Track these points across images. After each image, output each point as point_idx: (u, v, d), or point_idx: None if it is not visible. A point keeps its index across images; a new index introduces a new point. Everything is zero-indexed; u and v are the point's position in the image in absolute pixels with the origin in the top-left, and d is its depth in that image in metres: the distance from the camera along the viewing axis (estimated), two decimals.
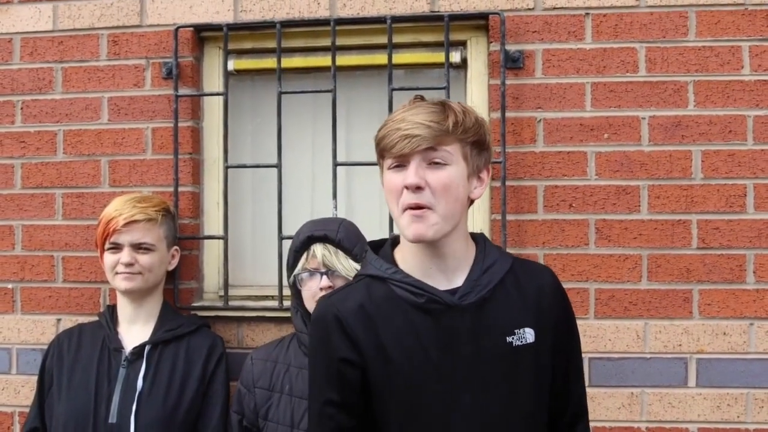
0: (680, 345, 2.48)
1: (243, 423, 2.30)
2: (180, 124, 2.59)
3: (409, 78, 2.66)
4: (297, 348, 2.28)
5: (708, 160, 2.49)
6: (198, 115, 2.66)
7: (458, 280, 1.71)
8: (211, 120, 2.67)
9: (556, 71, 2.51)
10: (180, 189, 2.59)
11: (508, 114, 2.50)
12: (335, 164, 2.54)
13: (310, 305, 2.20)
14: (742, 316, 2.48)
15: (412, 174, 1.62)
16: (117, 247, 2.35)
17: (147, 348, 2.35)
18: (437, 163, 1.63)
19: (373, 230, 2.63)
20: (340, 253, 2.18)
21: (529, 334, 1.72)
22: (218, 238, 2.60)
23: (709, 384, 2.49)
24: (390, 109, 2.50)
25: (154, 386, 2.31)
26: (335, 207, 2.53)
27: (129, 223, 2.33)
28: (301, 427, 2.19)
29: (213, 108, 2.66)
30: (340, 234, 2.20)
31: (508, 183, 2.49)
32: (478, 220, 2.58)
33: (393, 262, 1.74)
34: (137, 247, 2.36)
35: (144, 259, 2.36)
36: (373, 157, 2.55)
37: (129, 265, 2.34)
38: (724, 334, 2.48)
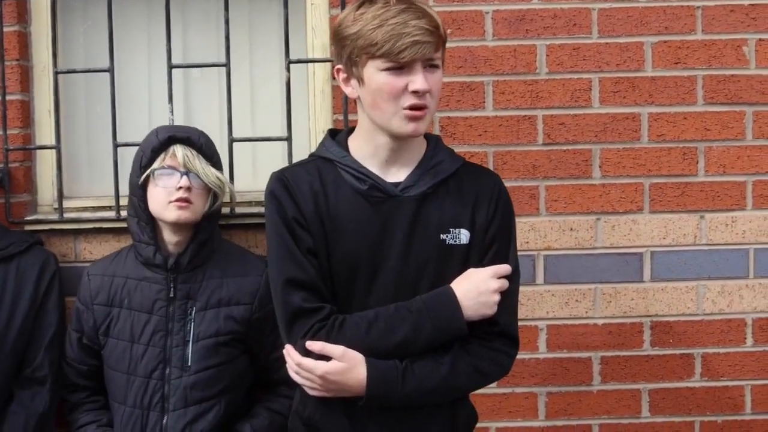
0: (527, 242, 2.46)
1: (83, 341, 2.24)
2: (5, 29, 2.43)
3: None
4: (134, 259, 2.21)
5: (553, 54, 2.45)
6: (25, 19, 2.49)
7: (405, 174, 1.77)
8: (39, 24, 2.49)
9: None
10: (8, 97, 2.43)
11: None
12: (170, 66, 2.42)
13: (160, 208, 2.12)
14: (589, 211, 2.47)
15: (421, 80, 1.65)
16: None
17: None
18: (434, 66, 1.68)
19: (213, 135, 2.53)
20: (201, 158, 2.15)
21: (464, 236, 1.77)
22: (50, 147, 2.46)
23: (556, 280, 2.49)
24: (226, 8, 2.40)
25: None
26: (171, 111, 2.42)
27: None
28: (141, 341, 2.15)
29: (41, 11, 2.48)
30: (202, 139, 2.19)
31: None
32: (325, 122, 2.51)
33: (346, 149, 1.79)
34: None
35: None
36: (212, 59, 2.53)
37: None
38: (571, 229, 2.47)
